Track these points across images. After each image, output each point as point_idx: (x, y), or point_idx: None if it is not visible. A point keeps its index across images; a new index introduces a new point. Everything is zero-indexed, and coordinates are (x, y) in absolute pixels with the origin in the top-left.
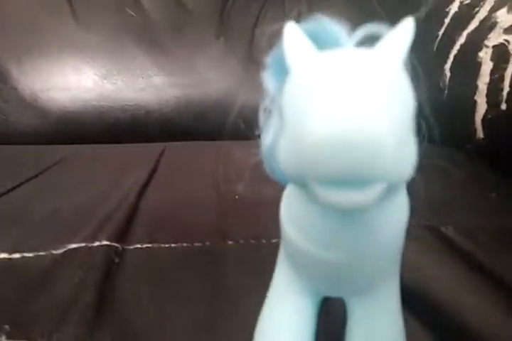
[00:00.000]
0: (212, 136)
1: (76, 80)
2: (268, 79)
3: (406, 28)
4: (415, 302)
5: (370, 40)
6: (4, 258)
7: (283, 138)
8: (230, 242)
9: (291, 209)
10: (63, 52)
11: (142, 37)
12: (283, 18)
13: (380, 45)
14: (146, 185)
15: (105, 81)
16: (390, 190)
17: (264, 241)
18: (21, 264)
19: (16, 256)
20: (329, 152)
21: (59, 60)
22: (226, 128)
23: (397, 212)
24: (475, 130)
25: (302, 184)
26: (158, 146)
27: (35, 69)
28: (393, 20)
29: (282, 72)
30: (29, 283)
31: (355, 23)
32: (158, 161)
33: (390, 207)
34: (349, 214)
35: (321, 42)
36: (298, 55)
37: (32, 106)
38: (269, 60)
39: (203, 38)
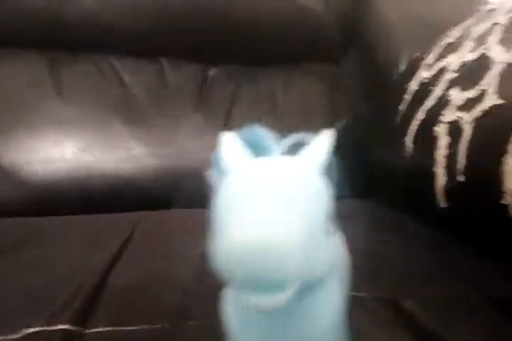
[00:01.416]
0: (190, 205)
1: (57, 153)
2: (211, 176)
3: (326, 138)
4: None
5: (298, 146)
6: None
7: (213, 242)
8: (190, 323)
9: (231, 307)
10: (45, 126)
11: (123, 110)
12: (258, 97)
13: (302, 153)
14: (116, 260)
15: (85, 153)
16: (307, 288)
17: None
18: None
19: None
20: (238, 258)
21: (41, 134)
22: (202, 197)
23: (328, 302)
24: (437, 199)
25: (230, 283)
26: (134, 216)
27: (18, 144)
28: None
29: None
30: None
31: (328, 104)
32: (132, 232)
33: (317, 301)
34: (282, 312)
35: (255, 148)
36: (231, 161)
37: (13, 178)
38: (212, 159)
39: (182, 112)
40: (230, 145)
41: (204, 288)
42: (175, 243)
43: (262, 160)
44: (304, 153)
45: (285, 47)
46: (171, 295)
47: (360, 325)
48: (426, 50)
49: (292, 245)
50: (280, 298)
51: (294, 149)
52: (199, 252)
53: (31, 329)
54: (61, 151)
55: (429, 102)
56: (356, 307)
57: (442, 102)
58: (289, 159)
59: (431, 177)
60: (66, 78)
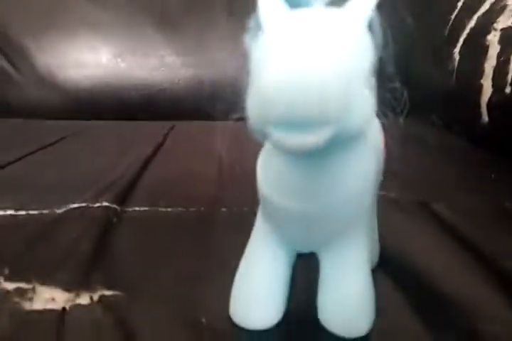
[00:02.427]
0: (223, 116)
1: (90, 58)
2: (249, 41)
3: None
4: (392, 266)
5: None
6: (10, 215)
7: (249, 89)
8: (223, 209)
9: (264, 165)
10: (78, 30)
11: (155, 16)
12: None
13: (346, 6)
14: (151, 158)
15: (119, 59)
16: (344, 138)
17: (256, 209)
18: (25, 220)
19: (21, 213)
20: (280, 94)
21: (74, 38)
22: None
23: (360, 165)
24: (480, 113)
25: (263, 133)
26: (167, 124)
27: (51, 46)
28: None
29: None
30: (31, 236)
31: None
32: (165, 137)
33: (352, 159)
34: (313, 164)
35: (294, 2)
36: (269, 15)
37: (47, 81)
38: (250, 23)
39: (215, 17)
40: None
41: (236, 183)
42: (207, 147)
43: (303, 13)
44: (348, 5)
45: None
46: (204, 186)
47: (390, 222)
48: None
49: (332, 81)
50: (317, 137)
51: (337, 3)
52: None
53: (75, 205)
54: (95, 56)
55: (483, 8)
56: (387, 205)
57: (497, 8)
58: (332, 11)
59: (477, 90)
60: None
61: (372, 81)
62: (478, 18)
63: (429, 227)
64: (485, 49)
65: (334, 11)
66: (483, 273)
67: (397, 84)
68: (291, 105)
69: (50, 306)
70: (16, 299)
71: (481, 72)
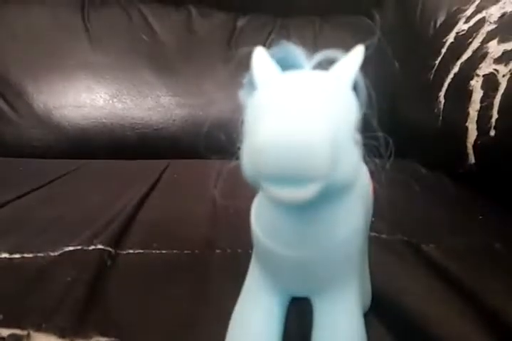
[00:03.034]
0: (216, 155)
1: (88, 99)
2: (243, 96)
3: (357, 55)
4: (384, 310)
5: (328, 63)
6: (5, 258)
7: (243, 145)
8: (217, 251)
9: (258, 211)
10: (77, 72)
11: (152, 59)
12: None
13: (333, 68)
14: (145, 198)
15: (115, 100)
16: (333, 191)
17: (250, 251)
18: (20, 263)
19: (16, 256)
20: (272, 153)
21: (73, 79)
22: (230, 146)
23: (349, 213)
24: (467, 155)
25: (258, 184)
26: (162, 163)
27: (49, 87)
28: (393, 44)
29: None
30: (25, 280)
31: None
32: (160, 176)
33: (341, 209)
34: (304, 215)
35: (285, 64)
36: (261, 75)
37: (45, 122)
38: (244, 80)
39: (211, 62)
40: (261, 60)
41: (230, 224)
42: (201, 186)
43: (293, 74)
44: (334, 67)
45: None
46: (198, 227)
47: (381, 263)
48: (466, 2)
49: (319, 141)
50: (307, 192)
51: (325, 65)
52: (225, 195)
53: (70, 248)
54: (92, 97)
55: (466, 55)
56: (377, 247)
57: (479, 55)
58: (319, 73)
59: (462, 132)
60: (96, 23)
61: (358, 136)
62: (462, 64)
63: (419, 268)
64: (469, 94)
65: (321, 73)
66: (474, 315)
67: (382, 134)
68: (281, 163)
69: None
70: None
71: (466, 116)
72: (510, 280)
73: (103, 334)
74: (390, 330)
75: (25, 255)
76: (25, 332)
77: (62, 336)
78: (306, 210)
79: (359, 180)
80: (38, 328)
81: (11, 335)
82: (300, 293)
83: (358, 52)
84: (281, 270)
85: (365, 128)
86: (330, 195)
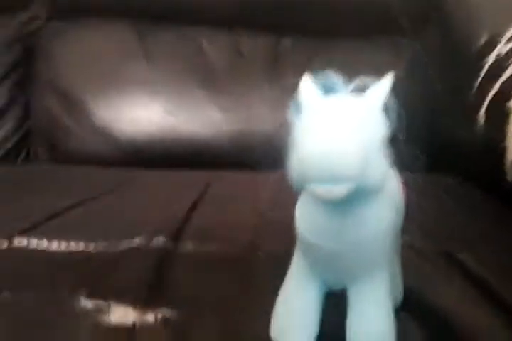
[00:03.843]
0: (262, 168)
1: (143, 114)
2: (292, 117)
3: (386, 82)
4: (416, 307)
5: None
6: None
7: (292, 156)
8: (259, 253)
9: (301, 210)
10: (134, 89)
11: (203, 78)
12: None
13: (366, 93)
14: (195, 207)
15: (168, 115)
16: (363, 192)
17: (291, 254)
18: (94, 253)
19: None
20: (316, 160)
21: (129, 96)
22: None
23: (379, 215)
24: (505, 172)
25: (302, 186)
26: (211, 174)
27: (108, 103)
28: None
29: (299, 112)
30: (101, 267)
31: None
32: (208, 186)
33: (372, 210)
34: (340, 212)
35: (327, 89)
36: (308, 99)
37: (103, 134)
38: (292, 103)
39: (256, 82)
40: (308, 86)
41: (274, 230)
42: (247, 197)
43: (332, 98)
44: (368, 93)
45: (359, 20)
46: (244, 232)
47: (414, 268)
48: (507, 24)
49: (352, 151)
50: (341, 189)
51: (360, 90)
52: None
53: (135, 244)
54: (147, 113)
55: (504, 76)
56: (410, 254)
57: None
58: (354, 98)
59: (501, 150)
60: (152, 45)
61: (385, 149)
62: (501, 85)
63: (452, 274)
64: (506, 113)
65: (356, 98)
66: (505, 322)
67: (414, 147)
68: (324, 168)
69: (123, 320)
70: (95, 314)
71: (504, 135)
72: None
73: (169, 308)
74: (420, 327)
75: (99, 247)
76: (106, 303)
77: (135, 307)
78: (343, 207)
79: (389, 185)
80: (117, 301)
81: (95, 306)
82: (336, 283)
83: (387, 79)
84: (319, 261)
85: (400, 143)
86: (362, 194)
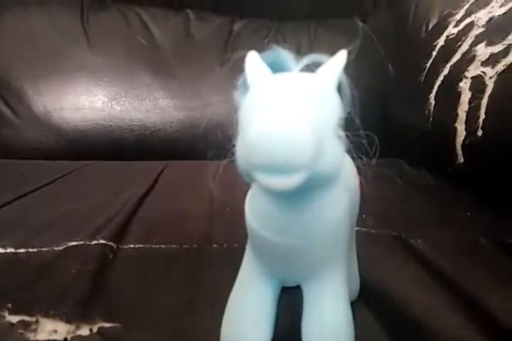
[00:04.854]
0: (213, 156)
1: (87, 101)
2: (237, 96)
3: (339, 59)
4: (372, 297)
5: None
6: (11, 252)
7: (237, 141)
8: (215, 245)
9: (251, 202)
10: (76, 75)
11: (150, 62)
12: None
13: (318, 71)
14: (144, 197)
15: (114, 102)
16: (317, 181)
17: (246, 245)
18: (25, 258)
19: (21, 251)
20: (262, 145)
21: (72, 82)
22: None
23: (334, 203)
24: (456, 155)
25: (250, 175)
26: (160, 164)
27: (49, 90)
28: (387, 46)
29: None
30: (32, 273)
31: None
32: (158, 177)
33: (327, 199)
34: (293, 203)
35: (276, 67)
36: (254, 77)
37: (45, 124)
38: (238, 82)
39: (208, 66)
40: (254, 63)
41: (227, 220)
42: (199, 186)
43: (282, 76)
44: (320, 70)
45: (312, 2)
46: (196, 223)
47: (370, 256)
48: (456, 6)
49: (304, 134)
50: (292, 180)
51: (312, 68)
52: (222, 192)
53: (73, 243)
54: (91, 99)
55: (455, 58)
56: (366, 240)
57: (468, 58)
58: (306, 75)
59: (451, 133)
60: (95, 27)
61: (341, 132)
62: (451, 66)
63: (407, 260)
64: (457, 95)
65: (308, 75)
66: (457, 304)
67: (368, 132)
68: (270, 154)
69: (53, 337)
70: (21, 331)
71: (455, 116)
72: (493, 273)
73: (106, 320)
74: (376, 317)
75: (30, 250)
76: (33, 319)
77: (68, 321)
78: (294, 199)
79: (344, 173)
80: (46, 315)
81: (20, 321)
82: (290, 279)
83: (342, 56)
84: (272, 257)
85: (352, 126)
86: (315, 184)
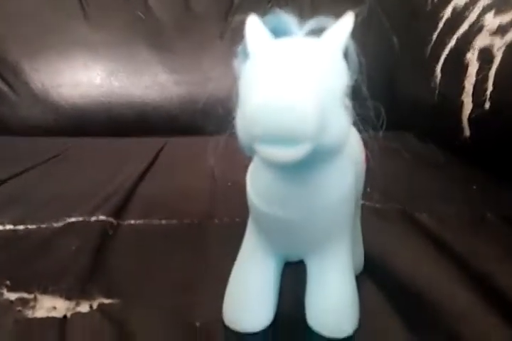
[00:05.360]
0: (214, 132)
1: (85, 77)
2: (238, 65)
3: (346, 22)
4: (376, 271)
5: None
6: (9, 229)
7: (237, 110)
8: (216, 220)
9: (253, 176)
10: (73, 50)
11: (149, 37)
12: None
13: (323, 35)
14: (144, 173)
15: (112, 78)
16: (322, 153)
17: (247, 220)
18: (24, 234)
19: (20, 227)
20: (263, 116)
21: (69, 58)
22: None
23: (340, 177)
24: (462, 128)
25: (251, 148)
26: (160, 140)
27: (46, 66)
28: (392, 19)
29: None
30: (31, 249)
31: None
32: (158, 153)
33: (332, 173)
34: (296, 177)
35: (278, 32)
36: (255, 43)
37: (42, 100)
38: (238, 49)
39: (208, 38)
40: (254, 28)
41: (228, 195)
42: (199, 162)
43: (284, 41)
44: (325, 35)
45: None
46: (197, 199)
47: (374, 230)
48: None
49: (308, 104)
50: (296, 152)
51: (316, 32)
52: (223, 168)
53: (72, 219)
54: (89, 75)
55: (462, 29)
56: (370, 215)
57: (475, 28)
58: (310, 40)
59: (458, 106)
60: (94, 5)
61: (348, 102)
62: (458, 37)
63: (411, 235)
64: (465, 67)
65: (312, 40)
66: (463, 278)
67: (374, 103)
68: (273, 125)
69: (51, 314)
70: (19, 308)
71: (461, 89)
72: (500, 247)
73: (106, 296)
74: (380, 289)
75: (29, 226)
76: (31, 296)
77: (67, 298)
78: (297, 172)
79: (350, 146)
80: (45, 291)
81: (18, 298)
82: (294, 254)
83: (348, 20)
84: (275, 232)
85: (358, 96)
86: (319, 156)
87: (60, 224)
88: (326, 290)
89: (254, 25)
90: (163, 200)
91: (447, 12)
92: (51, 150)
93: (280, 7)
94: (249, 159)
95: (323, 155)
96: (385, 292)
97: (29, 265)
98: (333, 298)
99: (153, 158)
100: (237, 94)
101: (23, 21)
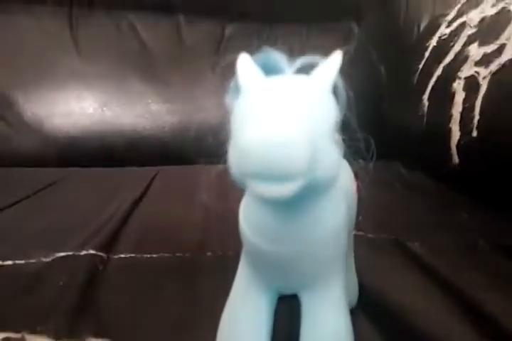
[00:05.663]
0: (206, 161)
1: (77, 107)
2: (229, 101)
3: (335, 59)
4: (371, 306)
5: (309, 68)
6: None
7: (230, 146)
8: (208, 253)
9: (246, 210)
10: (66, 82)
11: (142, 69)
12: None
13: (313, 73)
14: (136, 204)
15: (105, 108)
16: (314, 188)
17: (241, 252)
18: (12, 270)
19: (8, 263)
20: (255, 153)
21: (62, 89)
22: (220, 152)
23: (332, 213)
24: (451, 155)
25: (244, 183)
26: (152, 170)
27: (40, 97)
28: (379, 49)
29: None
30: (18, 286)
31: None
32: (150, 183)
33: (324, 206)
34: (289, 211)
35: (268, 70)
36: (246, 80)
37: (36, 131)
38: (230, 85)
39: (200, 70)
40: (246, 66)
41: (221, 227)
42: (191, 192)
43: (275, 79)
44: (314, 72)
45: (303, 5)
46: (189, 231)
47: (368, 261)
48: (448, 6)
49: (297, 141)
50: (288, 188)
51: (305, 70)
52: (215, 198)
53: (62, 253)
54: (81, 106)
55: (448, 58)
56: (364, 245)
57: (461, 58)
58: (300, 78)
59: (446, 133)
60: (84, 33)
61: (337, 137)
62: (444, 67)
63: (406, 266)
64: (451, 96)
65: (301, 78)
66: (459, 311)
67: (364, 135)
68: (264, 161)
69: None
70: None
71: (449, 117)
72: (493, 276)
73: (96, 336)
74: (376, 325)
75: (17, 261)
76: (19, 335)
77: (56, 338)
78: (290, 207)
79: (341, 178)
80: (33, 331)
81: (5, 338)
82: (287, 289)
83: (337, 57)
84: (269, 266)
85: (348, 129)
86: (311, 192)
87: (48, 259)
88: (320, 328)
89: (245, 63)
90: (154, 232)
91: (433, 41)
92: (41, 181)
93: (270, 45)
94: (243, 191)
95: (315, 190)
96: (380, 329)
97: (17, 302)
98: (326, 334)
99: (145, 188)
100: (229, 129)
101: (15, 54)
